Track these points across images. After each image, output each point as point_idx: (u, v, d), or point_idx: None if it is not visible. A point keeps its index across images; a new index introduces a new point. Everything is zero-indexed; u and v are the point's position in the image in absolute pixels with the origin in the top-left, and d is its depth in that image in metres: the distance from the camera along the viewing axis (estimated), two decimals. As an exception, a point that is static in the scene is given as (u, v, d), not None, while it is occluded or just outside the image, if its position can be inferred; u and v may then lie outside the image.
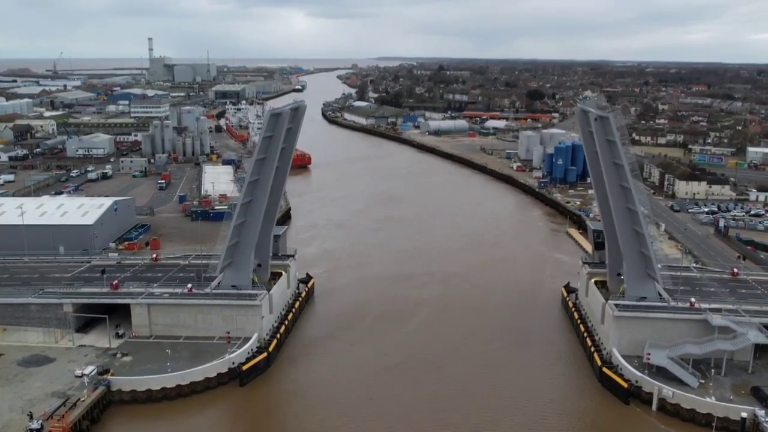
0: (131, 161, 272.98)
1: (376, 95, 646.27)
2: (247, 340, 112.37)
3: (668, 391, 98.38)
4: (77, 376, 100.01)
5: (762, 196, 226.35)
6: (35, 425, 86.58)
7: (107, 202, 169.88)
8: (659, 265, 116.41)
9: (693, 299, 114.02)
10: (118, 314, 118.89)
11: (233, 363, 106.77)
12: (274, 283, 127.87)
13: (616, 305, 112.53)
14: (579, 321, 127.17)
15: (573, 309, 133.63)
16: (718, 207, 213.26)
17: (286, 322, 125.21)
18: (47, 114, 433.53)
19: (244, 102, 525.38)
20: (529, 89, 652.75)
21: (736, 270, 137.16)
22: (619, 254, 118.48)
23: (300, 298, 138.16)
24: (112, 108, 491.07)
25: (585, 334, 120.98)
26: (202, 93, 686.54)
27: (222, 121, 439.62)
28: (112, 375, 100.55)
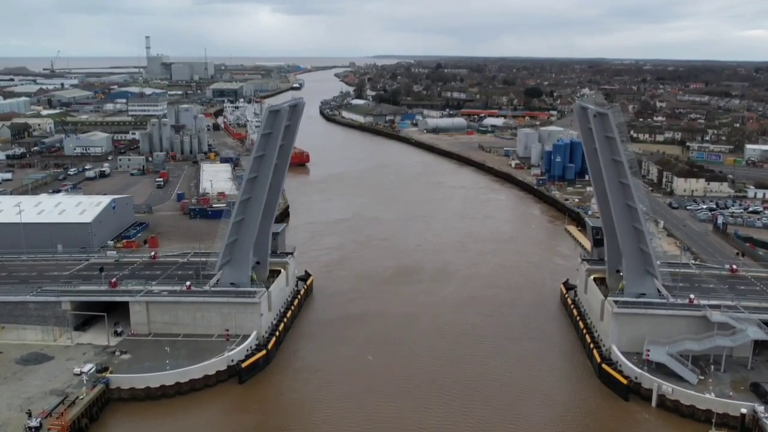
0: (129, 159, 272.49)
1: (374, 93, 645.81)
2: (246, 337, 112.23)
3: (668, 387, 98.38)
4: (76, 374, 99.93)
5: (760, 193, 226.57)
6: (34, 423, 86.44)
7: (105, 200, 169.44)
8: (658, 262, 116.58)
9: (692, 296, 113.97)
10: (116, 312, 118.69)
11: (232, 360, 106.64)
12: (273, 281, 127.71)
13: (615, 302, 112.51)
14: (578, 318, 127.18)
15: (572, 306, 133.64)
16: (716, 204, 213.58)
17: (285, 320, 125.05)
18: (45, 112, 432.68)
19: (242, 100, 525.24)
20: (526, 87, 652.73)
21: (735, 266, 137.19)
22: (618, 251, 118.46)
23: (299, 296, 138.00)
24: (109, 106, 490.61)
25: (584, 331, 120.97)
26: (199, 91, 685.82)
27: (220, 119, 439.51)
28: (111, 373, 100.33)
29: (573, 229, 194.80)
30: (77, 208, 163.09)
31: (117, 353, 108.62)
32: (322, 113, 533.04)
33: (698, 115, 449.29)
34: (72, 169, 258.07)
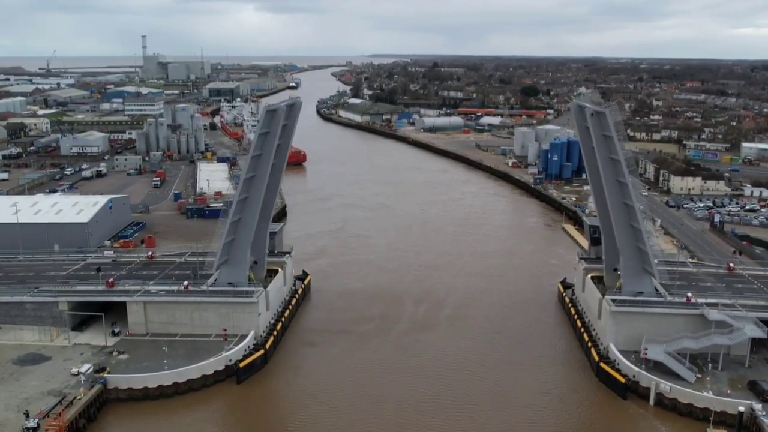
0: (126, 159, 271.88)
1: (370, 92, 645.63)
2: (243, 337, 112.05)
3: (665, 385, 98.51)
4: (73, 375, 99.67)
5: (756, 192, 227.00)
6: (31, 424, 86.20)
7: (102, 200, 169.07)
8: (656, 260, 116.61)
9: (689, 294, 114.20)
10: (113, 312, 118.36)
11: (230, 360, 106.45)
12: (271, 280, 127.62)
13: (613, 300, 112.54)
14: (576, 316, 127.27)
15: (570, 305, 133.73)
16: (713, 202, 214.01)
17: (283, 319, 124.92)
18: (41, 112, 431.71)
19: (238, 99, 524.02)
20: (523, 86, 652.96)
21: (732, 265, 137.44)
22: (616, 249, 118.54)
23: (297, 295, 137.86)
24: (106, 106, 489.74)
25: (582, 330, 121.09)
26: (196, 91, 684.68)
27: (217, 119, 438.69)
28: (109, 373, 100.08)
29: (570, 228, 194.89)
30: (74, 208, 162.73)
31: (114, 353, 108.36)
32: (319, 112, 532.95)
33: (695, 114, 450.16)
34: (68, 169, 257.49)
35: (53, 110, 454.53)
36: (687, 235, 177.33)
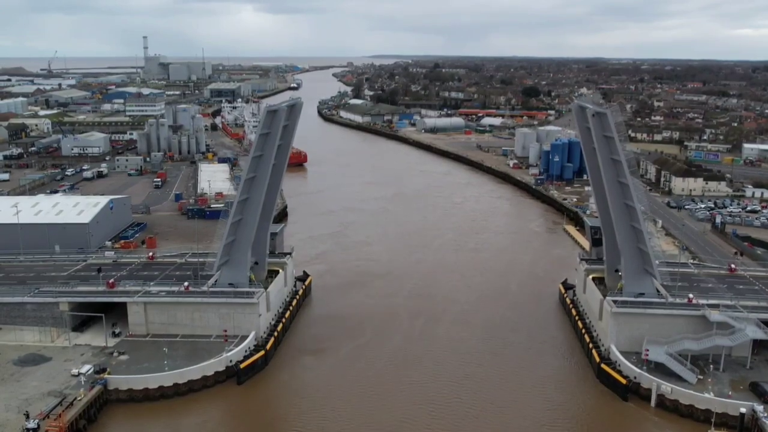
0: (127, 160, 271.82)
1: (372, 93, 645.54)
2: (244, 338, 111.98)
3: (667, 387, 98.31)
4: (74, 375, 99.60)
5: (758, 193, 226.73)
6: (32, 425, 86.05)
7: (103, 200, 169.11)
8: (657, 261, 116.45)
9: (691, 295, 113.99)
10: (114, 313, 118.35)
11: (231, 361, 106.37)
12: (271, 281, 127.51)
13: (614, 301, 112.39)
14: (577, 317, 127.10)
15: (571, 305, 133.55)
16: (714, 203, 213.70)
17: (284, 320, 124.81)
18: (42, 113, 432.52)
19: (239, 100, 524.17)
20: (524, 86, 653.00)
21: (733, 266, 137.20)
22: (617, 250, 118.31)
23: (297, 296, 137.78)
24: (107, 107, 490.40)
25: (583, 331, 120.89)
26: (197, 91, 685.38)
27: (218, 120, 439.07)
28: (109, 374, 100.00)
29: (571, 229, 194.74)
30: (75, 208, 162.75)
31: (115, 354, 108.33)
32: (320, 113, 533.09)
33: (696, 115, 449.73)
34: (69, 170, 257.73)
35: (54, 111, 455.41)
36: (688, 236, 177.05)
